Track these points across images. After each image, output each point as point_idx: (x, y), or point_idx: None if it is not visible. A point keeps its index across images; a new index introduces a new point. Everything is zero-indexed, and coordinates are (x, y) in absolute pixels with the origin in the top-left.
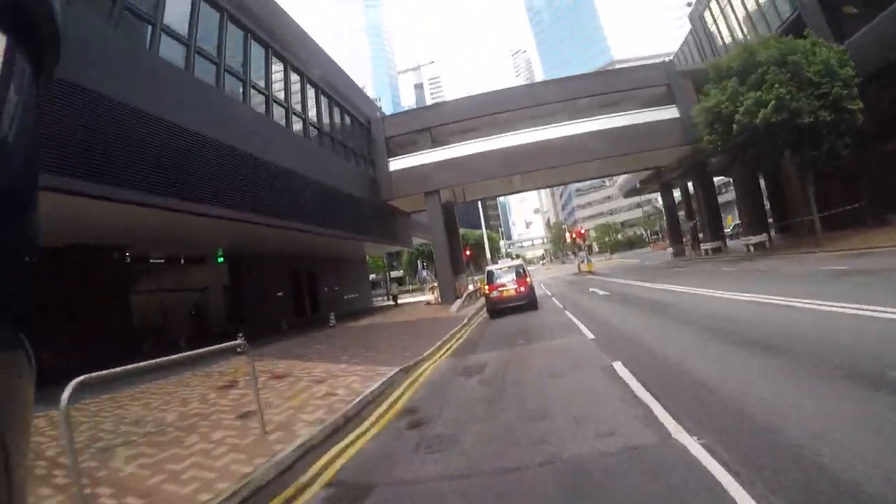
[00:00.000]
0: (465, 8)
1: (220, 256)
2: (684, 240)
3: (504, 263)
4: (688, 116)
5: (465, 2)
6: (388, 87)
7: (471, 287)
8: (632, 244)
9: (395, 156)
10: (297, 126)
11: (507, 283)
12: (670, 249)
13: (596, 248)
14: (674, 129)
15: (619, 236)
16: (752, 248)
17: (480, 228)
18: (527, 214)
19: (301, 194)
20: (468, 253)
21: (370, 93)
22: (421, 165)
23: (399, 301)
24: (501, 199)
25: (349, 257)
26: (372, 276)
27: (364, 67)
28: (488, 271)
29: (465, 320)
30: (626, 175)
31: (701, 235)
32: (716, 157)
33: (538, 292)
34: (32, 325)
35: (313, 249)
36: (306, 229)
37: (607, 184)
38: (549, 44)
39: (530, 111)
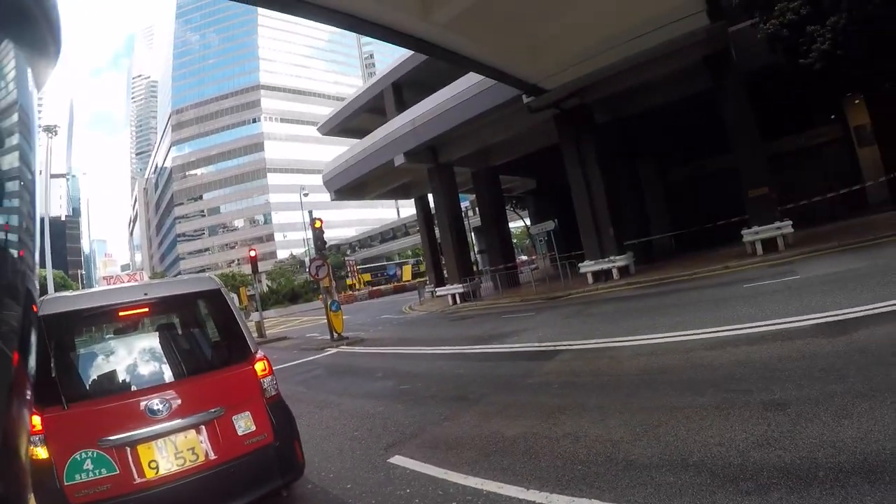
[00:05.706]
0: None
1: None
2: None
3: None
4: None
5: None
6: None
7: None
8: (294, 296)
9: None
10: None
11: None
12: (436, 288)
13: None
14: None
15: (270, 284)
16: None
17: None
18: (112, 269)
19: None
20: None
21: None
22: None
23: None
24: (86, 249)
25: None
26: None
27: None
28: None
29: None
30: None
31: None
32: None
33: None
34: None
35: None
36: None
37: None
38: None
39: None
